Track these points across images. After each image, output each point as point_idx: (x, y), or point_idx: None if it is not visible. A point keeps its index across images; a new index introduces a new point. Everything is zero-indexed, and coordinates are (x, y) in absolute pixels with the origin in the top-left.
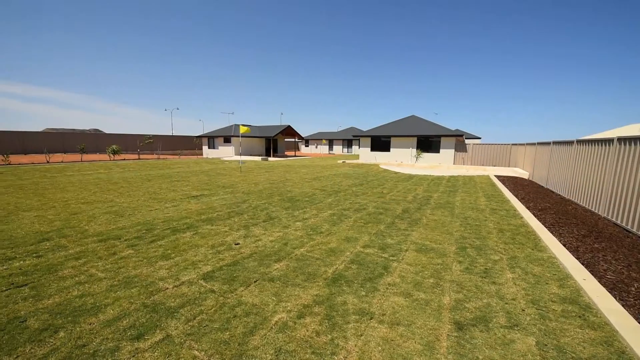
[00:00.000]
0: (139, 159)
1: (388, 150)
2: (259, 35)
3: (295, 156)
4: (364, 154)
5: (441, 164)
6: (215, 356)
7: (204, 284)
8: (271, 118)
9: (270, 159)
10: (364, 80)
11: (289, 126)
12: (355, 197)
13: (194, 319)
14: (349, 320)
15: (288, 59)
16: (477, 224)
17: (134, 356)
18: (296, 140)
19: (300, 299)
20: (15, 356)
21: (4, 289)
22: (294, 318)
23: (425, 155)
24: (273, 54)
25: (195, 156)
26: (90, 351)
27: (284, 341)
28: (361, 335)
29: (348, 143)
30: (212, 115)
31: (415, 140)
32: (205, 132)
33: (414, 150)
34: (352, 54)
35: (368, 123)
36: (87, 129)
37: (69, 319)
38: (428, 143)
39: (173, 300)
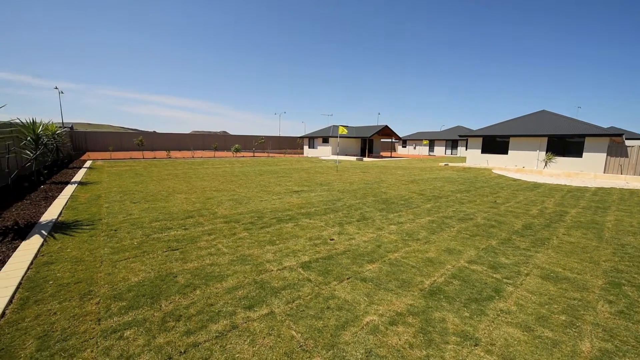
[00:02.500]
0: (254, 156)
1: (505, 152)
2: (370, 35)
3: (391, 157)
4: (473, 157)
5: (583, 171)
6: (310, 341)
7: (302, 272)
8: (368, 118)
9: (365, 159)
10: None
11: (386, 126)
12: (459, 205)
13: (293, 302)
14: (447, 341)
15: (391, 59)
16: None
17: (245, 322)
18: (393, 140)
19: (393, 305)
20: (169, 302)
21: (164, 250)
22: (385, 323)
23: (560, 160)
24: (378, 53)
25: (297, 155)
26: (216, 310)
27: (375, 344)
28: None
29: (452, 144)
30: (313, 117)
31: (545, 141)
32: (307, 133)
33: (543, 153)
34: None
35: (478, 122)
36: (218, 131)
37: (203, 281)
38: (564, 145)
39: (277, 281)
